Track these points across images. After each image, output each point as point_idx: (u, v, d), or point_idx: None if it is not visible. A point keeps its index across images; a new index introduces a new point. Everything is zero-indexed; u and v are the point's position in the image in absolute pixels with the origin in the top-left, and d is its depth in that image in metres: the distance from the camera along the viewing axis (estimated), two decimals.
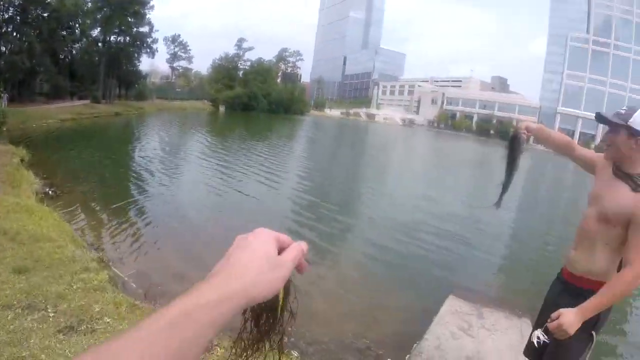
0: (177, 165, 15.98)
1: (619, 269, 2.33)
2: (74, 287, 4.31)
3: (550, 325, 2.27)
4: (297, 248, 0.64)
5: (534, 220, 13.90)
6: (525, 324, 4.93)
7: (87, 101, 45.17)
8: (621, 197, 2.31)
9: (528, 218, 14.21)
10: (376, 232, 9.95)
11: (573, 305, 2.27)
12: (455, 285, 6.64)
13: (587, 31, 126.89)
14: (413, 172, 23.09)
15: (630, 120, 2.29)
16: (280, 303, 0.67)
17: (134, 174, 13.50)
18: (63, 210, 8.45)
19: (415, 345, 4.38)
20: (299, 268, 0.66)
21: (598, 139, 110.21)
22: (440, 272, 7.78)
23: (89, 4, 48.92)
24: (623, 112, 2.36)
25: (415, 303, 6.32)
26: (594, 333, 2.41)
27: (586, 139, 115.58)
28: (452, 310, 5.18)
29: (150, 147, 20.01)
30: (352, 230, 10.27)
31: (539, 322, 2.61)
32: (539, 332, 2.41)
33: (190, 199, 10.84)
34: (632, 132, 2.29)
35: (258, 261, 0.58)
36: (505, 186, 2.83)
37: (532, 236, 11.93)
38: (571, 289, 2.52)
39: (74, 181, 11.62)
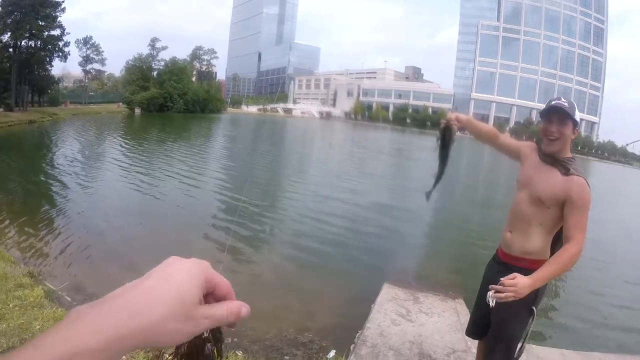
0: (96, 171, 15.47)
1: (552, 249, 2.58)
2: (10, 305, 4.21)
3: (506, 280, 2.32)
4: (231, 309, 0.51)
5: (457, 205, 14.06)
6: (460, 305, 5.20)
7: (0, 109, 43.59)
8: (553, 180, 2.48)
9: (451, 203, 14.23)
10: (304, 226, 9.68)
11: None
12: (389, 273, 6.74)
13: (498, 19, 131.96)
14: (333, 164, 23.39)
15: (575, 113, 2.49)
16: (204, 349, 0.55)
17: (54, 183, 12.78)
18: None
19: (358, 334, 4.42)
20: (230, 324, 0.53)
21: (512, 122, 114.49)
22: (372, 261, 7.75)
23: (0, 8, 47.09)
24: (567, 105, 2.49)
25: (352, 293, 6.39)
26: (534, 308, 2.57)
27: (500, 122, 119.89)
28: (389, 297, 5.26)
29: (67, 154, 19.41)
30: (280, 226, 9.84)
31: (478, 301, 2.86)
32: (491, 294, 2.41)
33: (113, 205, 10.29)
34: (575, 123, 2.51)
35: (170, 303, 0.45)
36: (438, 177, 2.89)
37: (456, 221, 11.92)
38: (508, 269, 2.57)
39: None
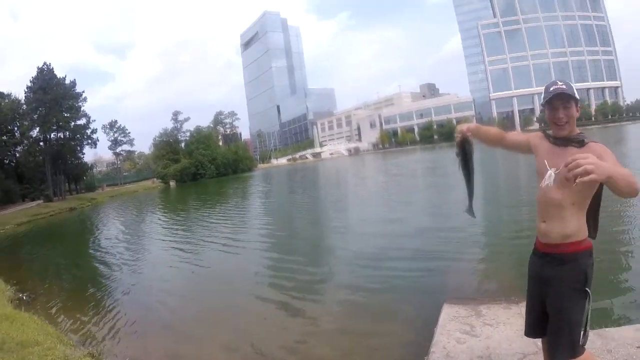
0: (142, 248, 15.39)
1: (587, 227, 2.58)
2: None
3: (580, 155, 2.08)
4: None
5: (491, 209, 13.69)
6: (524, 308, 3.78)
7: (40, 201, 46.00)
8: (572, 155, 2.25)
9: (485, 209, 13.62)
10: (352, 266, 9.30)
11: (560, 275, 2.54)
12: (446, 293, 6.52)
13: (494, 15, 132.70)
14: (370, 197, 22.27)
15: (574, 92, 2.49)
16: None
17: (102, 265, 13.07)
18: (42, 313, 8.17)
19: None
20: None
21: (538, 112, 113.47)
22: (428, 284, 7.54)
23: (24, 105, 50.64)
24: (565, 87, 2.49)
25: (412, 320, 6.04)
26: (587, 290, 2.52)
27: (525, 115, 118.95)
28: (450, 317, 5.13)
29: (111, 236, 19.54)
30: (329, 271, 9.43)
31: (530, 300, 2.83)
32: (552, 171, 2.45)
33: (163, 279, 10.37)
34: (576, 102, 2.51)
35: None
36: (470, 192, 2.95)
37: (499, 224, 11.74)
38: (553, 259, 2.60)
39: (45, 282, 11.52)
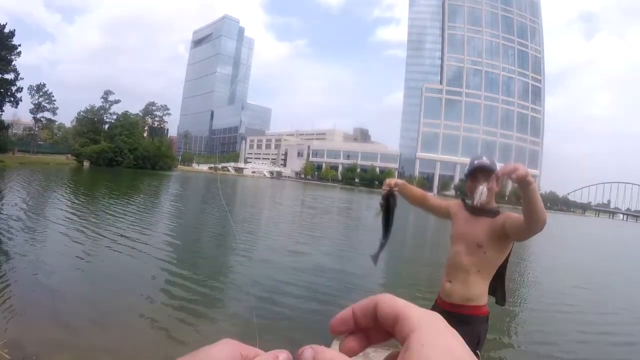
0: (40, 225, 14.10)
1: (490, 292, 2.82)
2: None
3: (510, 165, 2.36)
4: (265, 358, 0.43)
5: (396, 263, 13.29)
6: None
7: None
8: (485, 226, 2.69)
9: (390, 261, 13.29)
10: (245, 293, 8.77)
11: (460, 331, 2.36)
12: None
13: (440, 82, 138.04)
14: (281, 224, 21.95)
15: (496, 168, 2.67)
16: None
17: None
18: None
19: None
20: None
21: (457, 179, 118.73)
22: (319, 322, 6.90)
23: None
24: (489, 162, 2.76)
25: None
26: (478, 352, 2.65)
27: (445, 179, 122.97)
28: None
29: (10, 203, 18.33)
30: (221, 295, 8.51)
31: None
32: (483, 187, 2.67)
33: (55, 262, 9.34)
34: (498, 178, 2.54)
35: None
36: (383, 243, 2.91)
37: (395, 277, 11.56)
38: (452, 317, 2.61)
39: None
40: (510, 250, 2.77)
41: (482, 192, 2.63)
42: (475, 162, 2.75)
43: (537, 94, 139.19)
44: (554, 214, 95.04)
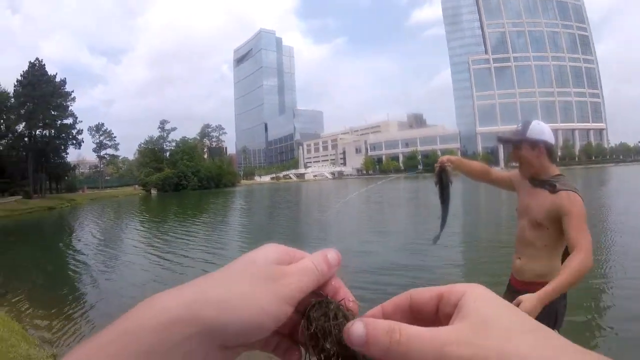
0: (117, 252, 15.06)
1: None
2: None
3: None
4: (315, 258, 0.42)
5: (469, 237, 13.59)
6: None
7: (18, 197, 45.16)
8: (543, 201, 2.50)
9: (463, 237, 13.56)
10: None
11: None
12: None
13: (485, 51, 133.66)
14: (351, 223, 21.06)
15: (527, 133, 2.50)
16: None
17: (75, 266, 12.90)
18: (10, 309, 8.05)
19: None
20: (324, 286, 0.43)
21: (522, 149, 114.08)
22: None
23: (12, 99, 49.94)
24: (520, 128, 2.57)
25: None
26: (557, 331, 2.47)
27: (510, 151, 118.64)
28: None
29: (87, 238, 19.39)
30: None
31: None
32: None
33: (136, 284, 10.03)
34: (531, 143, 2.49)
35: (241, 266, 0.39)
36: (443, 220, 2.96)
37: (467, 262, 11.12)
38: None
39: (16, 278, 11.22)
40: None
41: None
42: (498, 135, 2.75)
43: (585, 44, 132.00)
44: (627, 166, 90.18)
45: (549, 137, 2.52)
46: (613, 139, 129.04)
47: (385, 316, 0.41)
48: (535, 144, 2.49)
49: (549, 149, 2.52)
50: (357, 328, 0.36)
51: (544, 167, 2.53)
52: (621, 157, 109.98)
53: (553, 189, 2.46)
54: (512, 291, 2.68)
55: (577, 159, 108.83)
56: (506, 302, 0.36)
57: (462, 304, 0.35)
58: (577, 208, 2.38)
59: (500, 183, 2.96)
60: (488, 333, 0.33)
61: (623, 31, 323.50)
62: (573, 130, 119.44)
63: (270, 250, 0.40)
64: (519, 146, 2.53)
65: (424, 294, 0.40)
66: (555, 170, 2.56)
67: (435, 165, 2.87)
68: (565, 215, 2.39)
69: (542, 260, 2.55)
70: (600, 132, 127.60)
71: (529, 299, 2.27)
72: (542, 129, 2.51)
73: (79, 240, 18.75)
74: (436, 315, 0.39)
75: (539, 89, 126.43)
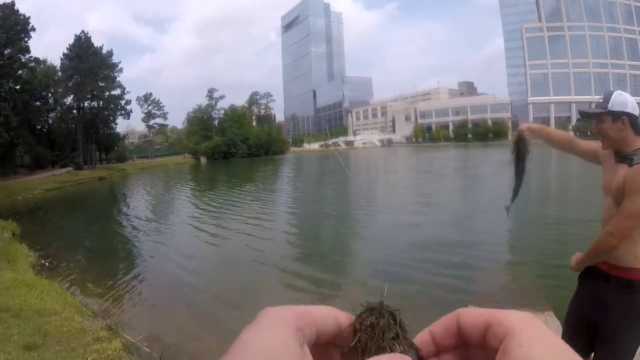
0: (168, 221, 15.78)
1: None
2: (89, 359, 4.16)
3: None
4: None
5: (529, 215, 13.15)
6: (550, 318, 4.79)
7: (69, 168, 46.07)
8: (619, 176, 2.38)
9: (523, 214, 13.15)
10: (381, 252, 9.83)
11: (624, 301, 2.37)
12: (472, 294, 6.70)
13: (539, 19, 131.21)
14: (405, 188, 23.05)
15: (609, 106, 2.38)
16: None
17: (127, 236, 13.45)
18: (63, 281, 8.34)
19: None
20: None
21: (574, 121, 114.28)
22: (454, 284, 7.60)
23: (60, 73, 50.32)
24: (601, 100, 2.44)
25: (436, 319, 6.69)
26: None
27: (561, 122, 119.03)
28: None
29: (138, 207, 19.98)
30: (354, 259, 10.08)
31: (577, 318, 2.72)
32: None
33: (187, 254, 10.62)
34: (614, 115, 2.37)
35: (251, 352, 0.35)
36: (516, 190, 2.86)
37: (531, 230, 11.66)
38: (619, 283, 2.42)
39: (69, 250, 11.48)
40: None
41: None
42: (579, 110, 2.62)
43: None
44: None
45: (633, 109, 2.37)
46: None
47: (435, 341, 0.41)
48: (617, 117, 2.36)
49: (632, 122, 2.36)
50: None
51: (628, 140, 2.38)
52: None
53: (630, 163, 2.33)
54: (601, 276, 2.49)
55: None
56: (553, 342, 0.35)
57: (507, 348, 0.35)
58: (633, 183, 2.28)
59: (586, 155, 2.77)
60: None
61: None
62: None
63: (282, 334, 0.37)
64: (601, 119, 2.41)
65: (472, 319, 0.39)
66: (638, 143, 2.38)
67: (514, 133, 2.82)
68: (625, 189, 2.30)
69: (632, 242, 2.33)
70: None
71: (573, 263, 2.63)
72: (625, 100, 2.38)
73: (129, 210, 19.04)
74: (483, 339, 0.38)
75: (592, 60, 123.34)
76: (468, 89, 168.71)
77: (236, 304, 6.90)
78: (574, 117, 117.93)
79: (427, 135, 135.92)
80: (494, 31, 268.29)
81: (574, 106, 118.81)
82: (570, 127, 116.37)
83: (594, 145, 2.73)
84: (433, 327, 0.42)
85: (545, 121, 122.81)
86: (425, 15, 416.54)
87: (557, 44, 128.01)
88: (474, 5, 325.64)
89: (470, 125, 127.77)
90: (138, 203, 21.72)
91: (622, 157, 2.41)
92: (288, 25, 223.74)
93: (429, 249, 9.91)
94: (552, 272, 7.45)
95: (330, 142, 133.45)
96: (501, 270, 8.50)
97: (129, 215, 17.41)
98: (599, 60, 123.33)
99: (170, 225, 14.85)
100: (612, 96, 2.39)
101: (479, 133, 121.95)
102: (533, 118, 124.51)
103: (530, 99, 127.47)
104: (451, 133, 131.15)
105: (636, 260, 2.36)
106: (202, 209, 17.69)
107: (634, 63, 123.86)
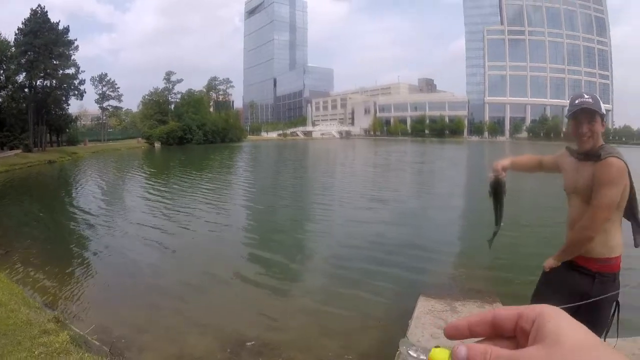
0: (119, 210, 15.07)
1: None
2: (36, 352, 3.94)
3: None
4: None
5: (483, 210, 12.57)
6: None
7: (18, 151, 43.55)
8: (588, 173, 2.50)
9: (475, 208, 13.68)
10: (330, 248, 9.63)
11: (592, 289, 2.51)
12: (423, 286, 6.68)
13: (501, 22, 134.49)
14: (357, 181, 22.83)
15: (601, 107, 2.50)
16: None
17: (76, 223, 12.75)
18: (9, 271, 7.91)
19: (397, 352, 4.18)
20: None
21: (528, 121, 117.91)
22: (405, 275, 7.64)
23: (13, 48, 46.75)
24: (592, 100, 2.49)
25: (388, 310, 6.20)
26: (618, 301, 2.54)
27: (516, 122, 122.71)
28: (426, 310, 5.16)
29: (88, 193, 19.17)
30: (307, 249, 10.00)
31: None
32: None
33: (139, 245, 10.13)
34: (602, 116, 2.52)
35: None
36: (496, 230, 2.92)
37: (485, 225, 10.57)
38: (579, 268, 2.60)
39: (16, 237, 10.85)
40: (632, 189, 2.50)
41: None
42: (576, 101, 2.50)
43: (601, 26, 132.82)
44: (629, 148, 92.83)
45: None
46: (618, 121, 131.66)
47: (470, 327, 0.50)
48: (602, 118, 2.51)
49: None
50: (461, 350, 0.45)
51: (599, 139, 2.53)
52: (623, 139, 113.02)
53: (597, 158, 2.45)
54: (572, 268, 2.63)
55: (562, 137, 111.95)
56: (573, 320, 0.42)
57: (539, 324, 0.43)
58: (605, 174, 2.40)
59: (550, 167, 2.93)
60: (562, 351, 0.39)
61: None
62: None
63: None
64: (596, 120, 2.50)
65: (506, 311, 0.48)
66: (600, 141, 2.55)
67: (490, 175, 2.82)
68: (596, 182, 2.43)
69: (602, 235, 2.48)
70: (606, 112, 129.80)
71: (548, 260, 2.68)
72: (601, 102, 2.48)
73: (81, 196, 18.35)
74: (514, 330, 0.46)
75: (550, 65, 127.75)
76: (428, 85, 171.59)
77: (187, 297, 6.73)
78: (528, 118, 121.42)
79: (385, 128, 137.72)
80: (457, 31, 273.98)
81: (529, 108, 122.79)
82: (524, 128, 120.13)
83: (553, 156, 2.94)
84: (472, 317, 0.49)
85: (501, 121, 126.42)
86: (393, 10, 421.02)
87: (517, 48, 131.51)
88: (440, 3, 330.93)
89: (427, 121, 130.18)
90: (89, 189, 20.58)
91: (587, 155, 2.55)
92: (252, 11, 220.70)
93: (379, 242, 9.83)
94: (501, 266, 7.76)
95: (288, 131, 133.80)
96: (453, 262, 8.62)
97: (80, 202, 16.59)
98: (556, 66, 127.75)
99: (122, 214, 14.19)
100: (597, 98, 2.52)
101: (436, 129, 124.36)
102: (489, 117, 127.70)
103: (488, 98, 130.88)
104: (409, 128, 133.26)
105: (608, 251, 2.50)
106: (155, 198, 17.09)
107: (590, 70, 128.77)
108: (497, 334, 0.48)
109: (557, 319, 0.42)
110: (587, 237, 2.46)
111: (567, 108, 2.62)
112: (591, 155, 2.50)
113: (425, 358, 0.47)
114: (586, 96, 2.51)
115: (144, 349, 5.06)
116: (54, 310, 5.91)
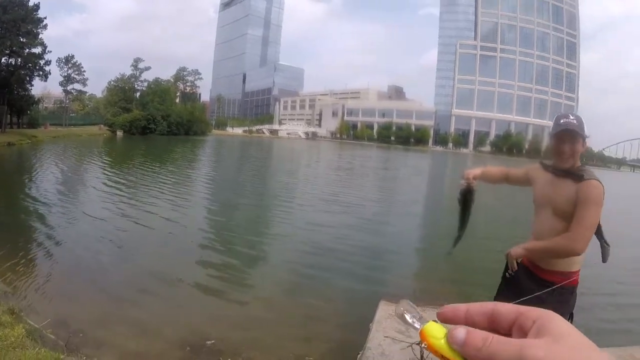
0: (78, 199, 14.59)
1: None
2: None
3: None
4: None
5: (445, 217, 13.21)
6: None
7: None
8: (569, 191, 2.55)
9: (440, 215, 14.25)
10: (291, 250, 9.48)
11: (550, 300, 2.53)
12: (384, 290, 6.61)
13: (475, 38, 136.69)
14: (321, 184, 22.74)
15: (584, 129, 2.57)
16: None
17: (35, 211, 12.09)
18: None
19: (359, 355, 4.27)
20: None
21: (492, 135, 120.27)
22: (366, 279, 7.58)
23: None
24: (576, 122, 2.56)
25: (348, 315, 6.19)
26: (572, 313, 2.65)
27: (480, 136, 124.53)
28: (387, 315, 5.06)
29: (48, 180, 18.33)
30: (267, 252, 9.54)
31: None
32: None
33: (98, 235, 9.71)
34: (584, 138, 2.60)
35: None
36: (459, 235, 3.00)
37: (447, 231, 11.01)
38: (540, 281, 2.66)
39: None
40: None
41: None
42: (561, 120, 2.59)
43: (572, 50, 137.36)
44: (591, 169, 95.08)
45: None
46: None
47: (467, 315, 0.49)
48: (584, 139, 2.61)
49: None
50: (460, 332, 0.45)
51: (576, 159, 2.63)
52: (584, 159, 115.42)
53: (580, 178, 2.53)
54: (528, 278, 2.74)
55: (542, 154, 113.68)
56: (572, 325, 0.43)
57: (542, 323, 0.44)
58: (589, 195, 2.48)
59: (518, 180, 3.02)
60: (566, 347, 0.41)
61: (609, 47, 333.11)
62: (544, 127, 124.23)
63: None
64: (578, 141, 2.59)
65: (506, 308, 0.48)
66: (579, 162, 2.66)
67: (461, 182, 2.89)
68: (578, 201, 2.49)
69: None
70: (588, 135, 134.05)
71: (515, 248, 2.70)
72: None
73: (39, 183, 17.67)
74: (510, 328, 0.47)
75: (518, 83, 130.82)
76: (397, 93, 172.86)
77: (147, 290, 6.55)
78: (493, 132, 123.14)
79: (352, 132, 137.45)
80: (430, 42, 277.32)
81: (494, 123, 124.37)
82: (488, 142, 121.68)
83: (523, 169, 3.00)
84: (472, 305, 0.49)
85: (466, 134, 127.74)
86: (369, 15, 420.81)
87: (487, 63, 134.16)
88: (416, 14, 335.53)
89: (394, 128, 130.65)
90: (49, 176, 19.75)
91: (565, 172, 2.61)
92: (228, 3, 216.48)
93: (340, 246, 9.69)
94: (458, 271, 8.07)
95: (254, 128, 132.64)
96: (415, 267, 8.84)
97: (39, 189, 15.79)
98: (524, 84, 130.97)
99: (81, 203, 13.66)
100: (581, 120, 2.59)
101: (402, 137, 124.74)
102: (455, 129, 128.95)
103: (455, 110, 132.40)
104: (375, 134, 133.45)
105: (570, 265, 2.60)
106: (115, 187, 16.71)
107: (556, 91, 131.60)
108: (492, 327, 0.48)
109: (560, 321, 0.43)
110: (573, 250, 2.50)
111: (551, 126, 2.70)
112: (572, 174, 2.58)
113: (418, 327, 0.47)
114: (571, 117, 2.59)
115: (101, 345, 4.90)
116: (9, 301, 5.60)
